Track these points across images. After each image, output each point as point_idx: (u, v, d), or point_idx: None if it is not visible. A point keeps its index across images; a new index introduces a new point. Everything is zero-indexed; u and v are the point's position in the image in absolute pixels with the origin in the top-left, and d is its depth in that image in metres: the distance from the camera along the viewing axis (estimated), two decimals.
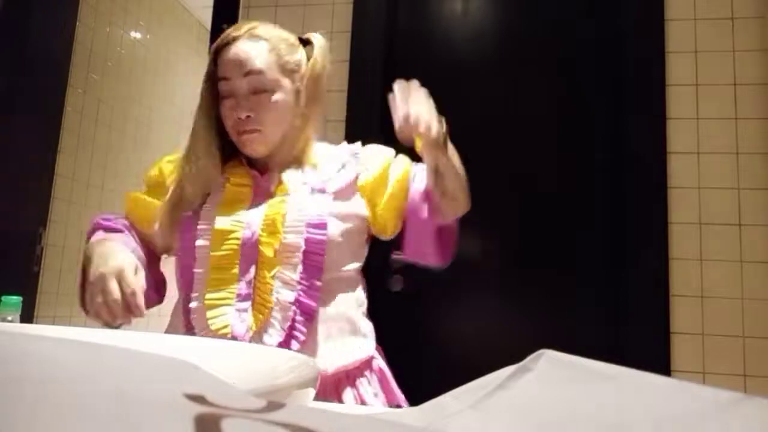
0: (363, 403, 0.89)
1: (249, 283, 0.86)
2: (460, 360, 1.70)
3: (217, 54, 0.93)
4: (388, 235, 1.02)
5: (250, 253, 0.86)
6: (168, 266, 1.05)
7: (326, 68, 0.99)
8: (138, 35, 2.93)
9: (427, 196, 0.97)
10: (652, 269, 1.60)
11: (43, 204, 2.12)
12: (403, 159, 1.03)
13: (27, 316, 1.65)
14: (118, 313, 0.77)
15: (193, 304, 0.86)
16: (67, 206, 2.45)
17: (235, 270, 0.86)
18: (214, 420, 0.13)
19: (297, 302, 0.85)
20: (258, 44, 0.91)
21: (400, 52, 1.90)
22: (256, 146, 0.92)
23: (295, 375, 0.30)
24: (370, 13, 1.88)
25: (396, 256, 1.79)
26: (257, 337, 0.83)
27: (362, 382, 0.91)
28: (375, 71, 1.82)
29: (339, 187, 0.93)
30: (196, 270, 0.87)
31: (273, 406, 0.15)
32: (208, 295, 0.85)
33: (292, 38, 0.97)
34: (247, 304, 0.85)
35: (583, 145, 1.76)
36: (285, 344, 0.83)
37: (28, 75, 1.97)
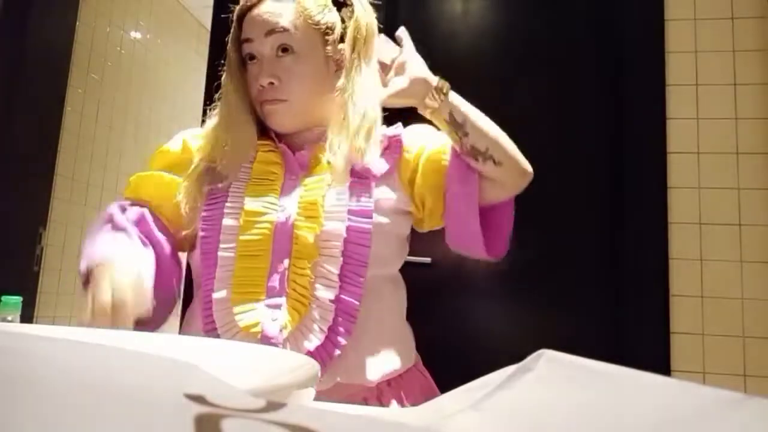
0: None
1: (282, 274, 0.74)
2: (460, 360, 1.70)
3: (241, 18, 0.84)
4: (431, 222, 0.91)
5: (283, 239, 0.74)
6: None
7: (372, 31, 0.88)
8: (138, 35, 2.93)
9: (468, 168, 0.84)
10: (652, 269, 1.60)
11: (43, 204, 2.12)
12: (442, 135, 0.89)
13: (27, 316, 1.65)
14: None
15: (217, 295, 0.73)
16: (67, 206, 2.45)
17: (267, 259, 0.74)
18: (214, 420, 0.13)
19: (338, 300, 0.73)
20: (284, 3, 0.81)
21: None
22: (280, 118, 0.82)
23: (295, 375, 0.30)
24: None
25: None
26: (292, 339, 0.72)
27: (406, 392, 0.82)
28: None
29: (382, 172, 0.82)
30: (221, 254, 0.74)
31: (273, 406, 0.15)
32: (235, 287, 0.73)
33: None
34: (281, 300, 0.73)
35: (583, 145, 1.76)
36: (323, 349, 0.72)
37: (28, 75, 1.97)
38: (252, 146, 0.82)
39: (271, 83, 0.80)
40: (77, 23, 2.34)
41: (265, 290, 0.73)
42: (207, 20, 2.33)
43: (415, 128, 0.92)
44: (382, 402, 0.78)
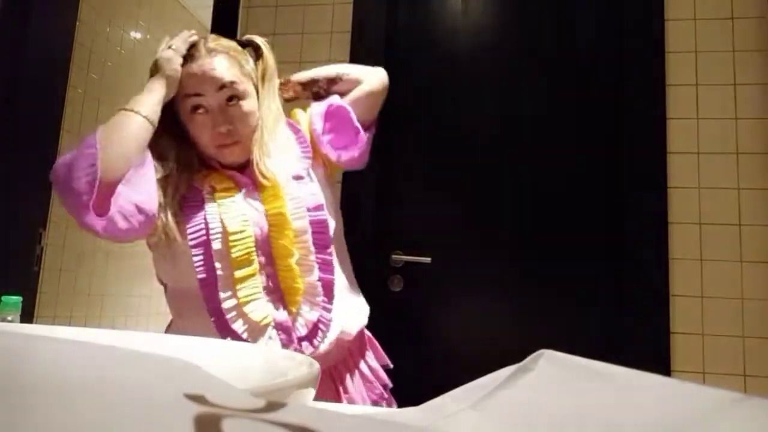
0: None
1: (270, 275, 0.92)
2: (460, 360, 1.70)
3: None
4: (338, 159, 1.07)
5: (264, 247, 0.92)
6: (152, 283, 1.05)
7: (274, 67, 1.06)
8: (138, 35, 2.93)
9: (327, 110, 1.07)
10: (652, 269, 1.60)
11: (43, 204, 2.12)
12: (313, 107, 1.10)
13: (27, 316, 1.65)
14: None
15: (227, 304, 0.89)
16: None
17: (255, 265, 0.91)
18: (214, 420, 0.13)
19: (321, 280, 0.94)
20: (222, 58, 0.96)
21: (400, 52, 1.90)
22: (236, 156, 0.97)
23: (295, 375, 0.30)
24: (370, 13, 1.88)
25: (396, 256, 1.79)
26: (298, 317, 0.92)
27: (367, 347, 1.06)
28: None
29: (306, 167, 1.01)
30: (219, 273, 0.89)
31: (273, 406, 0.15)
32: (239, 294, 0.89)
33: (236, 45, 1.02)
34: (277, 293, 0.92)
35: (583, 145, 1.76)
36: (319, 320, 0.93)
37: (28, 75, 1.97)
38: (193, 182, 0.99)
39: (228, 129, 0.95)
40: (77, 23, 2.33)
41: (263, 289, 0.91)
42: (207, 20, 2.32)
43: (300, 114, 1.11)
44: (362, 352, 1.05)
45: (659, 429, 0.19)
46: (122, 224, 0.88)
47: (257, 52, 1.05)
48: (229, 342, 0.43)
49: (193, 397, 0.15)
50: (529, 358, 0.25)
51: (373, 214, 1.72)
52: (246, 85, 0.97)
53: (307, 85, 1.12)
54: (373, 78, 1.12)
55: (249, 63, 1.01)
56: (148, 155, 0.92)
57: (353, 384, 1.01)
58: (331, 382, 0.99)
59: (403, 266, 1.75)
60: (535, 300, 1.71)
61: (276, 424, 0.14)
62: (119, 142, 0.89)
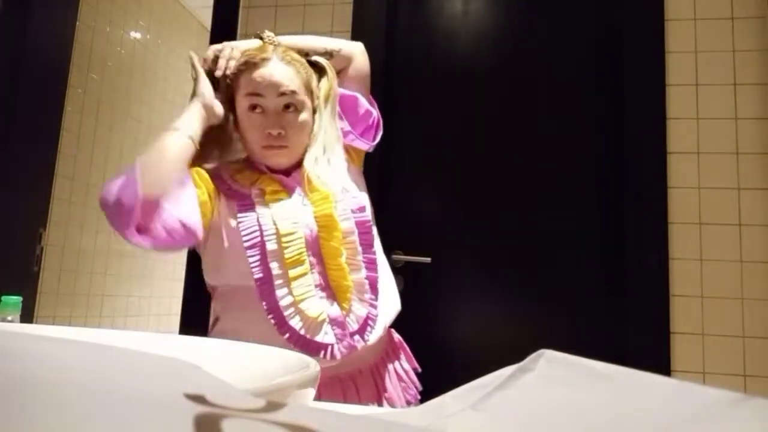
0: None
1: (321, 273, 0.97)
2: (460, 360, 1.70)
3: (243, 71, 1.02)
4: (370, 147, 1.15)
5: (314, 247, 0.97)
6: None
7: (338, 89, 1.11)
8: (138, 35, 2.93)
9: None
10: (652, 269, 1.60)
11: (43, 204, 2.12)
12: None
13: (27, 316, 1.65)
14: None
15: (284, 302, 0.94)
16: (67, 206, 2.45)
17: (307, 265, 0.96)
18: (214, 420, 0.13)
19: (367, 278, 1.00)
20: (289, 67, 1.02)
21: (400, 52, 1.90)
22: (281, 159, 1.02)
23: (295, 375, 0.30)
24: (370, 13, 1.88)
25: (396, 256, 1.79)
26: (349, 313, 0.97)
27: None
28: (375, 71, 1.81)
29: (347, 175, 1.07)
30: (274, 272, 0.94)
31: (273, 406, 0.15)
32: (294, 292, 0.94)
33: (304, 62, 1.07)
34: (329, 291, 0.97)
35: (583, 145, 1.76)
36: (368, 315, 0.98)
37: (28, 75, 1.97)
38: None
39: (279, 133, 0.99)
40: (77, 23, 2.34)
41: (314, 287, 0.96)
42: (207, 20, 2.32)
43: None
44: (392, 354, 1.09)
45: (659, 429, 0.19)
46: (166, 239, 0.91)
47: (322, 73, 1.10)
48: (229, 342, 0.43)
49: (193, 397, 0.15)
50: (529, 358, 0.25)
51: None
52: (305, 99, 1.02)
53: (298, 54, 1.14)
54: (361, 56, 1.16)
55: (314, 79, 1.06)
56: (188, 174, 0.96)
57: (391, 384, 1.05)
58: (372, 382, 1.02)
59: (403, 266, 1.75)
60: (535, 300, 1.71)
61: (276, 424, 0.14)
62: (162, 160, 0.95)
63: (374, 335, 0.99)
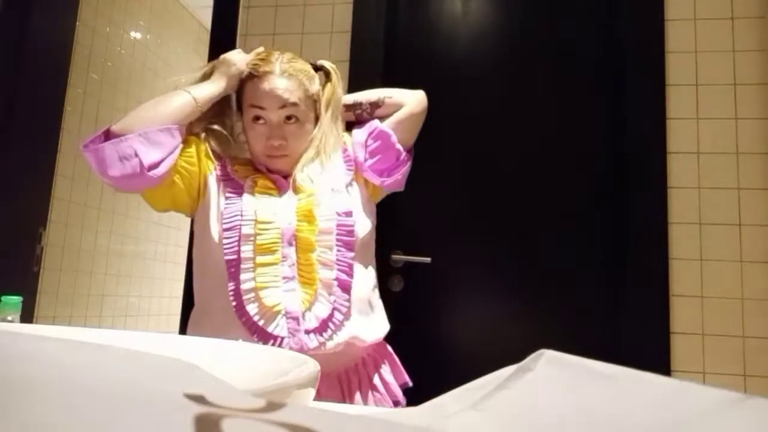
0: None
1: (291, 266, 0.98)
2: (460, 360, 1.70)
3: (247, 80, 1.07)
4: (382, 184, 1.16)
5: (291, 240, 0.98)
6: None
7: (341, 93, 1.15)
8: (138, 35, 2.93)
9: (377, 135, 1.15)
10: (652, 269, 1.60)
11: (43, 204, 2.12)
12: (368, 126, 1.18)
13: (27, 316, 1.65)
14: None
15: (246, 286, 0.95)
16: (67, 206, 2.45)
17: (278, 255, 0.97)
18: (214, 420, 0.13)
19: (337, 279, 0.99)
20: (290, 80, 1.05)
21: (400, 52, 1.90)
22: (281, 165, 1.06)
23: (295, 375, 0.31)
24: (370, 13, 1.88)
25: (396, 256, 1.79)
26: (309, 311, 0.97)
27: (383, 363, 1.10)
28: (375, 71, 1.82)
29: (346, 182, 1.09)
30: (243, 255, 0.96)
31: (273, 406, 0.15)
32: (258, 279, 0.96)
33: (309, 68, 1.11)
34: (294, 284, 0.97)
35: (583, 145, 1.76)
36: (330, 317, 0.97)
37: (28, 75, 1.97)
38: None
39: (281, 144, 1.04)
40: (77, 23, 2.33)
41: (282, 279, 0.96)
42: (207, 20, 2.33)
43: (354, 132, 1.18)
44: (377, 366, 1.07)
45: (659, 429, 0.19)
46: (118, 166, 0.94)
47: (327, 77, 1.14)
48: (229, 342, 0.43)
49: (193, 397, 0.15)
50: (529, 358, 0.25)
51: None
52: (306, 109, 1.07)
53: (350, 107, 1.17)
54: (413, 100, 1.18)
55: (314, 86, 1.10)
56: (179, 138, 1.01)
57: (361, 393, 1.03)
58: (337, 385, 1.02)
59: (403, 266, 1.75)
60: (535, 300, 1.71)
61: (276, 424, 0.14)
62: (153, 108, 1.01)
63: (335, 340, 0.97)
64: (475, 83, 1.85)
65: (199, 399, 0.14)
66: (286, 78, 1.05)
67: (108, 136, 0.96)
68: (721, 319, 1.54)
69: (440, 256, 1.75)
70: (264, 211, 0.99)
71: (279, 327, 0.94)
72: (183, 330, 1.81)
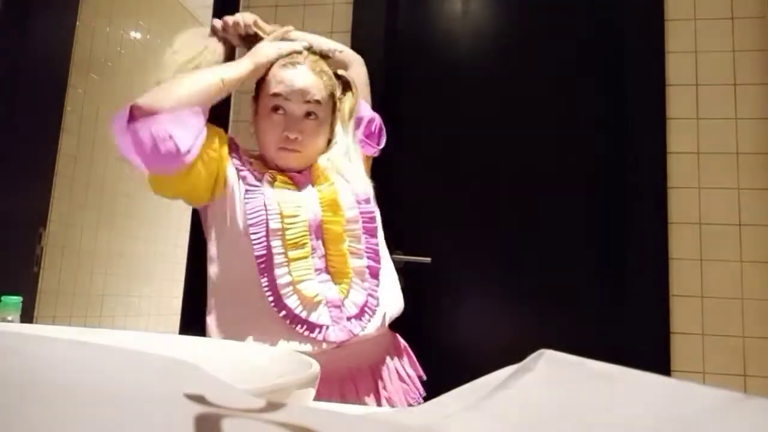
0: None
1: (322, 258, 0.98)
2: (460, 360, 1.70)
3: (270, 69, 1.05)
4: (376, 152, 1.20)
5: (318, 232, 0.98)
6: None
7: (359, 105, 1.15)
8: (138, 35, 2.93)
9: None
10: (652, 269, 1.60)
11: (43, 204, 2.12)
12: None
13: (27, 316, 1.65)
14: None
15: (282, 280, 0.95)
16: (67, 206, 2.45)
17: (308, 249, 0.97)
18: (214, 420, 0.13)
19: (368, 267, 1.01)
20: (318, 78, 1.04)
21: (400, 52, 1.90)
22: (291, 162, 1.04)
23: (295, 375, 0.30)
24: (370, 13, 1.88)
25: (396, 256, 1.79)
26: (347, 298, 0.98)
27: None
28: (375, 71, 1.81)
29: (360, 171, 1.10)
30: (275, 251, 0.95)
31: (273, 406, 0.15)
32: (293, 273, 0.95)
33: (332, 75, 1.10)
34: (326, 275, 0.98)
35: (583, 145, 1.76)
36: (366, 303, 0.98)
37: (28, 75, 1.97)
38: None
39: (296, 137, 1.01)
40: (77, 23, 2.33)
41: (314, 271, 0.96)
42: (207, 20, 2.33)
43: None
44: (395, 357, 1.08)
45: (659, 429, 0.19)
46: (152, 148, 0.93)
47: (347, 86, 1.13)
48: (229, 342, 0.43)
49: (193, 397, 0.15)
50: (529, 358, 0.25)
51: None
52: (327, 111, 1.06)
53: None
54: (358, 64, 1.20)
55: (338, 92, 1.09)
56: (204, 122, 0.99)
57: (392, 385, 1.04)
58: (372, 381, 1.01)
59: (403, 266, 1.75)
60: (535, 300, 1.71)
61: (276, 424, 0.14)
62: (180, 86, 0.98)
63: (373, 324, 0.98)
64: (475, 83, 1.85)
65: (199, 399, 0.14)
66: (314, 74, 1.04)
67: (132, 112, 0.94)
68: (721, 319, 1.54)
69: (440, 256, 1.75)
70: (288, 204, 0.98)
71: (322, 316, 0.94)
72: (183, 330, 1.81)
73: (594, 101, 1.78)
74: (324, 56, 1.12)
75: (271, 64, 1.05)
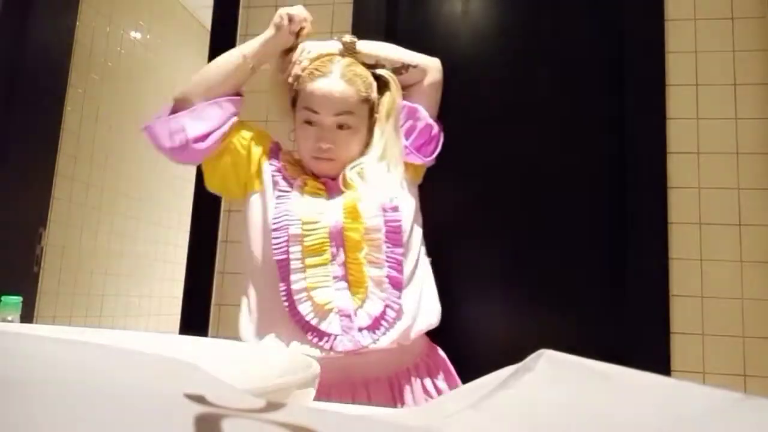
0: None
1: (341, 265, 0.97)
2: (460, 360, 1.69)
3: (304, 77, 1.04)
4: (425, 162, 1.18)
5: (338, 239, 0.97)
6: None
7: (401, 103, 1.10)
8: (138, 35, 2.93)
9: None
10: (652, 269, 1.60)
11: (43, 204, 2.12)
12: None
13: (27, 316, 1.65)
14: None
15: (297, 286, 0.95)
16: (67, 206, 2.45)
17: (327, 256, 0.96)
18: (214, 420, 0.13)
19: (388, 276, 0.97)
20: (349, 86, 1.02)
21: None
22: (326, 170, 1.04)
23: (295, 375, 0.30)
24: (370, 13, 1.88)
25: None
26: (361, 309, 0.95)
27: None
28: None
29: (392, 178, 1.06)
30: (293, 256, 0.96)
31: (273, 406, 0.15)
32: (309, 279, 0.95)
33: (368, 74, 1.07)
34: (344, 283, 0.96)
35: (583, 145, 1.76)
36: (383, 315, 0.95)
37: (28, 75, 1.97)
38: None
39: (329, 147, 1.02)
40: (77, 23, 2.33)
41: (332, 279, 0.95)
42: (207, 20, 2.32)
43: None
44: (423, 370, 1.04)
45: (659, 429, 0.19)
46: (166, 140, 0.99)
47: (386, 86, 1.10)
48: (229, 342, 0.43)
49: (193, 397, 0.15)
50: (529, 358, 0.25)
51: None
52: (360, 117, 1.04)
53: (369, 66, 1.12)
54: (434, 70, 1.17)
55: (372, 95, 1.07)
56: (230, 111, 1.04)
57: (413, 399, 1.00)
58: (389, 392, 0.99)
59: None
60: (535, 300, 1.71)
61: (276, 424, 0.14)
62: (207, 69, 1.05)
63: (387, 337, 0.95)
64: (475, 83, 1.85)
65: (199, 399, 0.14)
66: (344, 81, 1.02)
67: (174, 106, 1.03)
68: (721, 319, 1.54)
69: (440, 256, 1.75)
70: (309, 211, 0.98)
71: (332, 324, 0.93)
72: (183, 330, 1.81)
73: (594, 101, 1.78)
74: (396, 72, 1.10)
75: (303, 76, 1.05)
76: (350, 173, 1.03)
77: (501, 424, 0.22)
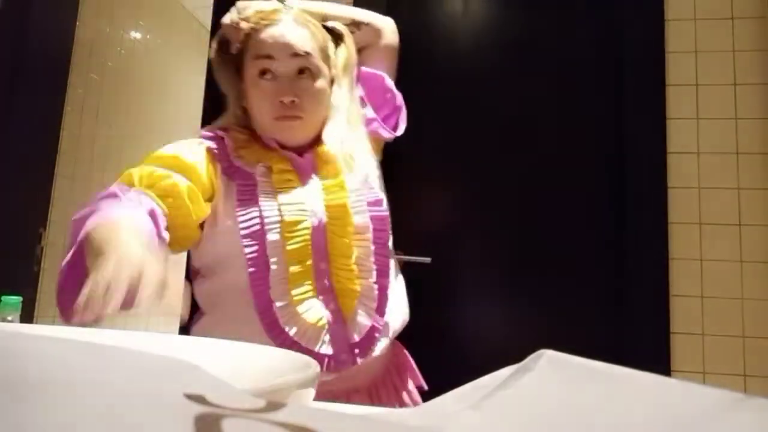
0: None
1: (326, 272, 0.83)
2: (460, 360, 1.70)
3: (251, 34, 0.89)
4: (391, 135, 1.04)
5: (320, 241, 0.83)
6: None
7: (356, 57, 0.97)
8: (138, 35, 2.93)
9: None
10: (652, 269, 1.60)
11: (43, 204, 2.12)
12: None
13: (27, 316, 1.65)
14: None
15: (279, 302, 0.79)
16: (67, 206, 2.45)
17: (310, 261, 0.82)
18: (214, 420, 0.13)
19: (377, 283, 0.86)
20: (303, 29, 0.89)
21: (400, 51, 1.90)
22: (295, 133, 0.88)
23: (295, 375, 0.30)
24: None
25: (396, 256, 1.79)
26: (352, 322, 0.83)
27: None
28: None
29: (368, 164, 0.95)
30: (272, 268, 0.79)
31: (273, 406, 0.15)
32: (293, 292, 0.80)
33: (321, 27, 0.94)
34: (331, 294, 0.83)
35: (584, 146, 1.76)
36: (375, 323, 0.85)
37: (28, 75, 1.97)
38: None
39: (293, 101, 0.85)
40: (77, 23, 2.33)
41: (315, 288, 0.82)
42: (207, 20, 2.32)
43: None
44: (395, 374, 0.96)
45: (659, 429, 0.19)
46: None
47: (339, 40, 0.97)
48: (229, 342, 0.42)
49: (193, 397, 0.15)
50: (529, 358, 0.25)
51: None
52: (322, 64, 0.89)
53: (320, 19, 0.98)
54: (389, 31, 1.04)
55: (330, 46, 0.93)
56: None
57: (390, 404, 0.92)
58: (368, 400, 0.89)
59: (403, 266, 1.75)
60: (535, 300, 1.71)
61: (276, 424, 0.14)
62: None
63: (378, 348, 0.85)
64: (475, 82, 1.85)
65: (199, 399, 0.14)
66: (298, 25, 0.89)
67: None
68: (721, 319, 1.54)
69: (440, 256, 1.75)
70: (290, 208, 0.82)
71: (324, 345, 0.80)
72: (183, 330, 1.81)
73: (594, 101, 1.78)
74: (351, 29, 0.98)
75: (248, 32, 0.89)
76: (331, 147, 0.89)
77: (501, 424, 0.22)
